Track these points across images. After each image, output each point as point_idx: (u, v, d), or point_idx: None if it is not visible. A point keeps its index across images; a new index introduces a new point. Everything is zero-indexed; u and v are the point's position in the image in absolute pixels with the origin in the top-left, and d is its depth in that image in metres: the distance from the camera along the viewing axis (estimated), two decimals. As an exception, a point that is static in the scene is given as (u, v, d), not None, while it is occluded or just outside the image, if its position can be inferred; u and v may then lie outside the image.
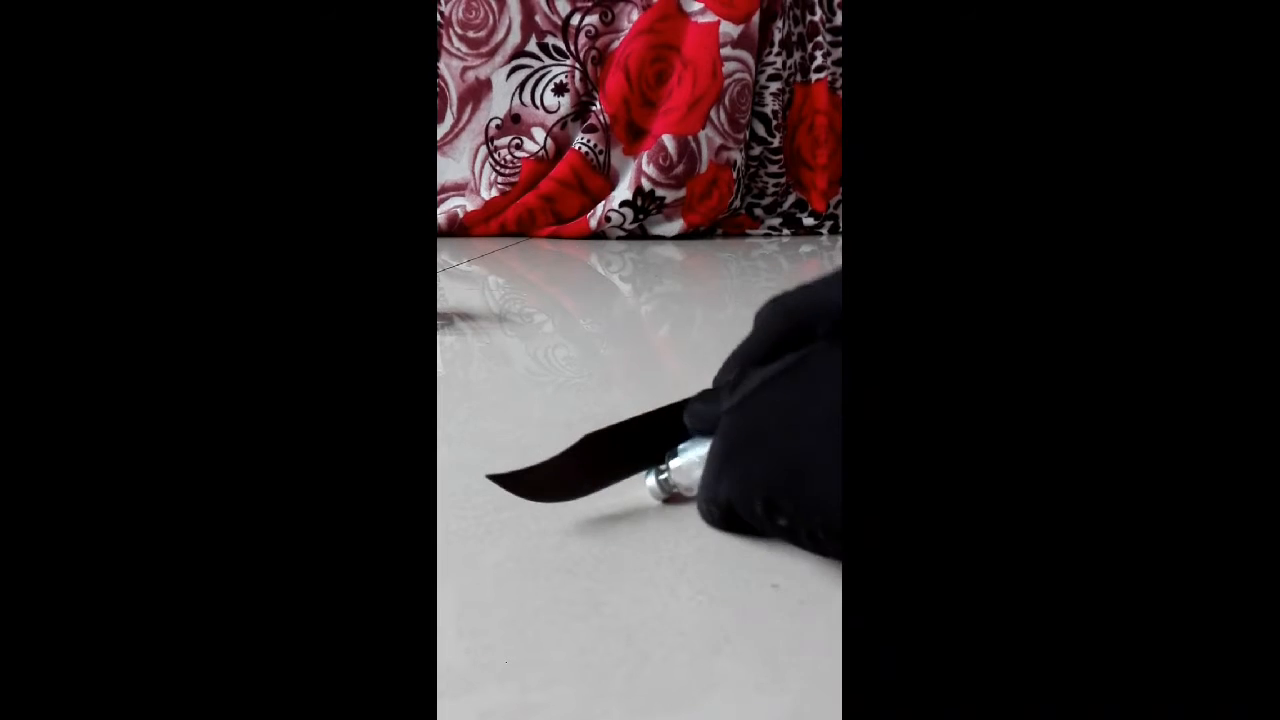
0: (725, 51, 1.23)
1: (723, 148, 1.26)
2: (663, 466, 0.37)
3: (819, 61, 1.31)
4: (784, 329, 0.33)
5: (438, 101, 1.27)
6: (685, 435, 0.37)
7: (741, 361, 0.34)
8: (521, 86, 1.28)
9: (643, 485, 0.38)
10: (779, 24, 1.27)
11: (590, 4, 1.25)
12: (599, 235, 1.28)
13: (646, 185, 1.25)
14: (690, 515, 0.37)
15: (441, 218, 1.27)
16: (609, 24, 1.26)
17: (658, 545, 0.35)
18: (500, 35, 1.26)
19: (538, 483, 0.36)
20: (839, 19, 1.31)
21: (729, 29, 1.23)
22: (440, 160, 1.29)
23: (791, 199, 1.36)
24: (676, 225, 1.28)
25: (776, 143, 1.31)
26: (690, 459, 0.36)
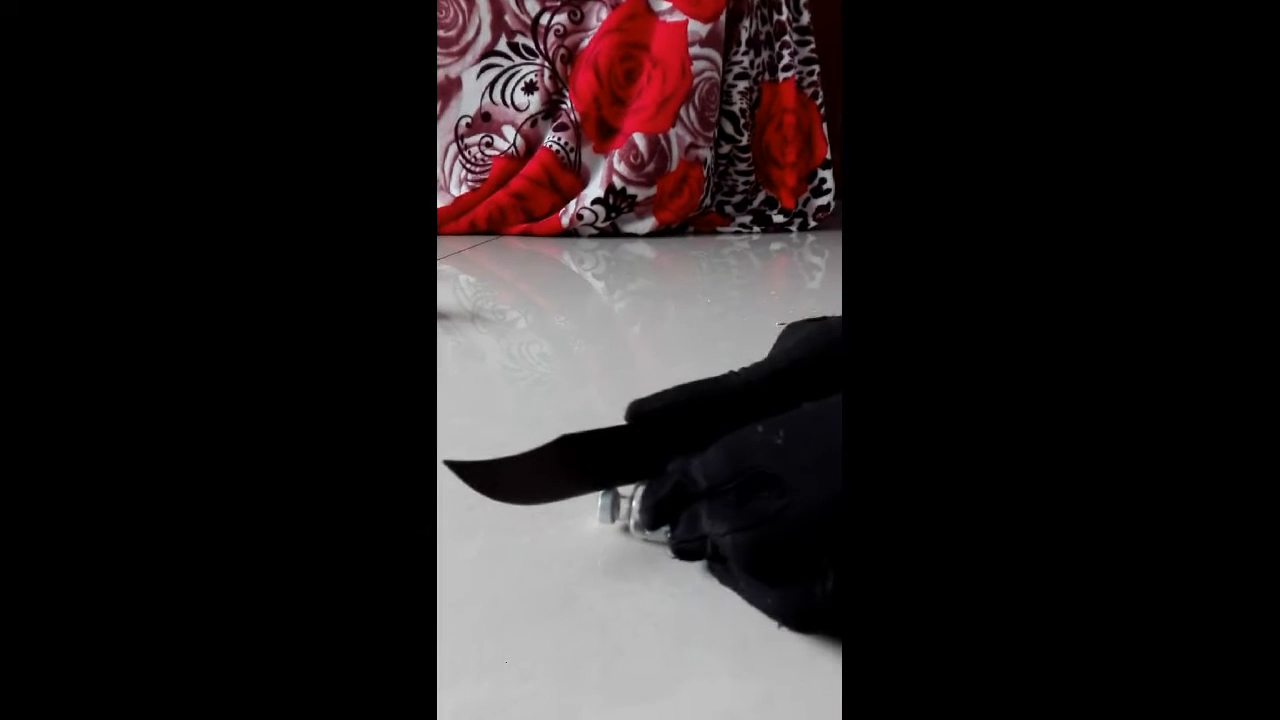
0: (694, 50, 1.24)
1: (692, 146, 1.26)
2: (621, 492, 0.35)
3: (786, 60, 1.31)
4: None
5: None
6: (665, 458, 0.34)
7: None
8: (492, 85, 1.27)
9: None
10: (746, 23, 1.28)
11: (559, 3, 1.25)
12: (571, 233, 1.28)
13: (618, 183, 1.25)
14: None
15: (412, 217, 1.27)
16: (578, 23, 1.27)
17: (629, 537, 0.35)
18: (470, 35, 1.26)
19: (498, 479, 0.33)
20: (805, 18, 1.32)
21: (697, 28, 1.23)
22: (410, 159, 1.28)
23: (761, 196, 1.36)
24: (648, 223, 1.29)
25: (745, 141, 1.32)
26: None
